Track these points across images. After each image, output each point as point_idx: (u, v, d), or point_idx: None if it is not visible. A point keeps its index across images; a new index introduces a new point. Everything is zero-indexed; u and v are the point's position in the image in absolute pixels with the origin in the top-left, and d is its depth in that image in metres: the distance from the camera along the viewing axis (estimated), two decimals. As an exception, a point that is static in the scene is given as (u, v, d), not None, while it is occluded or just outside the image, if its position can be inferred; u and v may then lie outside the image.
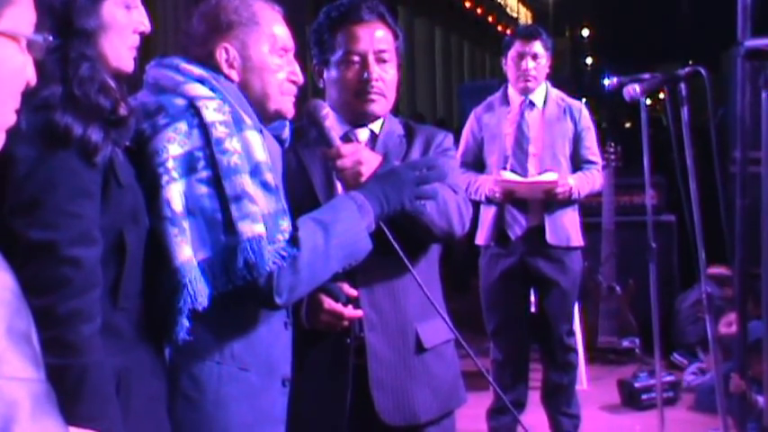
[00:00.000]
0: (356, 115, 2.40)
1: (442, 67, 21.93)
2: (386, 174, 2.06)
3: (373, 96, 2.36)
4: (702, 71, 3.35)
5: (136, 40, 1.79)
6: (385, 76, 2.37)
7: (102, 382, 1.58)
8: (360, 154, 2.11)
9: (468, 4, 21.17)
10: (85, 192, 1.61)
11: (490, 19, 23.08)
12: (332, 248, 1.93)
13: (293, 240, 1.89)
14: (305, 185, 2.33)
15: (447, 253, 2.54)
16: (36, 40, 1.09)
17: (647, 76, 3.57)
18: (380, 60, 2.37)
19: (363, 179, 2.07)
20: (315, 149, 2.30)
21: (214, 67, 1.97)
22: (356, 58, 2.36)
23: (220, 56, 1.97)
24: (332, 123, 2.18)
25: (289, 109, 2.06)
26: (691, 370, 5.38)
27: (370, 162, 2.10)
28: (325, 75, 2.43)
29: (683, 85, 3.38)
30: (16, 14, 1.06)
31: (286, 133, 2.15)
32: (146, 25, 1.79)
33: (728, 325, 4.63)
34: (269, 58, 2.00)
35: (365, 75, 2.35)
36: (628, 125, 14.51)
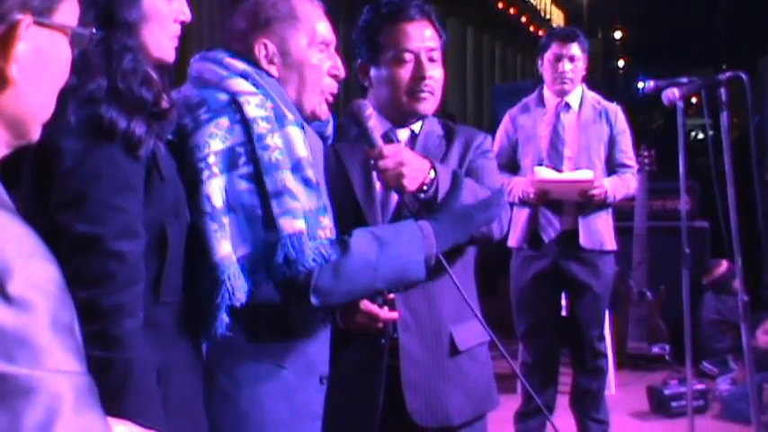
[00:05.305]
0: (405, 114, 2.38)
1: (473, 67, 21.82)
2: (461, 214, 2.06)
3: (425, 95, 2.34)
4: (743, 76, 3.31)
5: (177, 29, 1.78)
6: (435, 75, 2.35)
7: (146, 376, 1.58)
8: (402, 155, 2.10)
9: (500, 5, 21.03)
10: (129, 185, 1.61)
11: (523, 19, 22.91)
12: (381, 267, 1.92)
13: (342, 244, 1.88)
14: (343, 183, 2.32)
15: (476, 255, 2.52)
16: (83, 34, 1.08)
17: (685, 80, 3.53)
18: (431, 59, 2.34)
19: (405, 181, 2.07)
20: (354, 147, 2.29)
21: (255, 63, 1.96)
22: (409, 56, 2.33)
23: (259, 51, 1.96)
24: (374, 123, 2.17)
25: (323, 111, 2.04)
26: (725, 380, 5.31)
27: (411, 163, 2.09)
28: (372, 73, 2.39)
29: (722, 90, 3.34)
30: (68, 8, 1.06)
31: (329, 130, 2.13)
32: (186, 14, 1.78)
33: (766, 333, 4.57)
34: (308, 52, 1.98)
35: (419, 73, 2.32)
36: (660, 129, 14.39)
